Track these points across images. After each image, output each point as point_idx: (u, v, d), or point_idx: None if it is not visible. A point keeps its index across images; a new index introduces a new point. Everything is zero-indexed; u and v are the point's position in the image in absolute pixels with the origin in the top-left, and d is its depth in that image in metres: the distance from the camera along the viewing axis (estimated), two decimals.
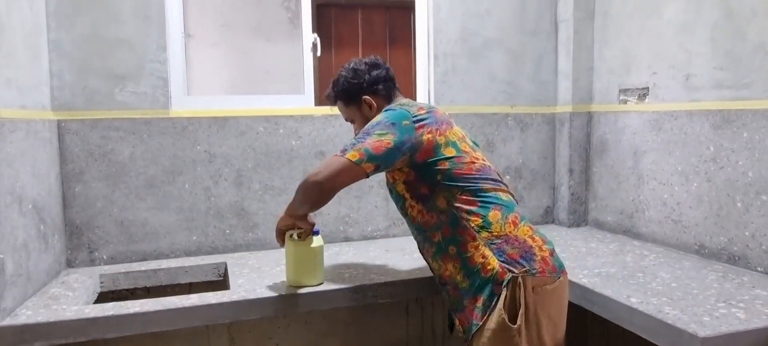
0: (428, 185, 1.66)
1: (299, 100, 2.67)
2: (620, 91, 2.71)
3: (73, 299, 1.92)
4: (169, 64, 2.41)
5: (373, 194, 2.72)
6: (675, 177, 2.39)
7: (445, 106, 2.75)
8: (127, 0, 2.31)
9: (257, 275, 2.15)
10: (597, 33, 2.85)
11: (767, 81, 2.01)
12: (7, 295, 1.75)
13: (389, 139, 1.62)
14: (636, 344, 1.82)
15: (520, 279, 1.55)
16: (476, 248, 1.61)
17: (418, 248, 1.86)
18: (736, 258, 2.13)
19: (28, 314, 1.75)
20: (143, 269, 2.30)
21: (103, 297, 2.22)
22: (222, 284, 2.33)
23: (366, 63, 1.86)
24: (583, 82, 2.88)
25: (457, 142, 1.70)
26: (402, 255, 2.37)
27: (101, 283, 2.24)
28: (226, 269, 2.32)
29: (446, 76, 2.80)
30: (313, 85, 2.73)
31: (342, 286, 1.99)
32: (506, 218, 1.64)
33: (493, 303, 1.56)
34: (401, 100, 1.85)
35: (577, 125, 2.89)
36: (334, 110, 2.66)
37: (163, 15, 2.37)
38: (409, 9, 3.26)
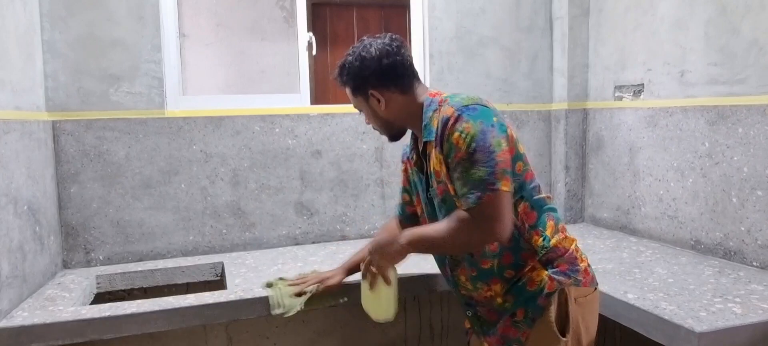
0: None
1: (295, 99, 2.67)
2: (615, 87, 2.71)
3: (69, 300, 1.91)
4: (164, 64, 2.41)
5: (369, 193, 2.72)
6: (670, 173, 2.40)
7: None
8: (122, 1, 2.31)
9: (254, 274, 2.15)
10: (592, 30, 2.85)
11: (761, 76, 2.01)
12: (3, 297, 1.74)
13: (507, 147, 1.38)
14: (633, 339, 1.83)
15: (566, 291, 1.44)
16: (533, 268, 1.46)
17: (440, 264, 1.64)
18: (732, 253, 2.14)
19: (24, 316, 1.74)
20: (140, 269, 2.30)
21: (99, 298, 2.21)
22: (219, 283, 2.32)
23: (377, 50, 1.50)
24: (579, 79, 2.89)
25: (518, 142, 1.48)
26: None
27: (98, 284, 2.24)
28: (223, 269, 2.31)
29: (442, 74, 2.80)
30: (309, 84, 2.73)
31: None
32: (557, 227, 1.50)
33: (539, 316, 1.44)
34: (428, 93, 1.53)
35: (573, 122, 2.90)
36: (331, 109, 2.67)
37: (158, 15, 2.37)
38: (404, 7, 3.26)
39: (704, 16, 2.22)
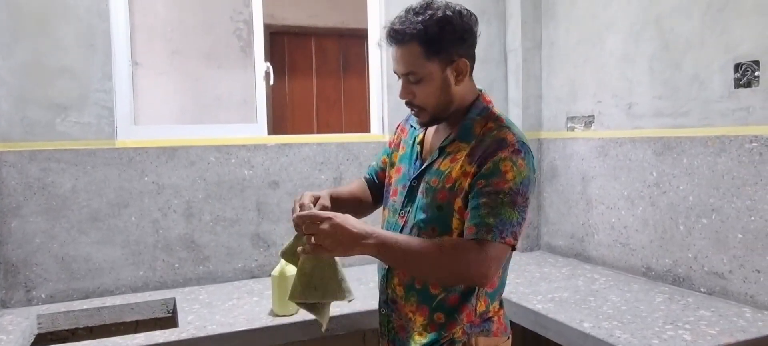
0: None
1: (252, 129, 2.63)
2: (568, 118, 2.79)
3: (6, 343, 1.80)
4: (115, 93, 2.34)
5: None
6: (621, 202, 2.47)
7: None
8: (70, 28, 2.24)
9: (208, 310, 2.08)
10: (544, 62, 2.94)
11: (703, 110, 2.11)
12: None
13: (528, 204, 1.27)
14: None
15: (473, 340, 1.35)
16: (459, 332, 1.34)
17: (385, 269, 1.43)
18: (681, 279, 2.21)
19: None
20: (85, 307, 2.19)
21: (40, 339, 2.09)
22: (170, 321, 2.24)
23: (472, 14, 1.31)
24: (533, 110, 2.96)
25: None
26: (357, 284, 2.34)
27: (39, 324, 2.12)
28: (175, 305, 2.23)
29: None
30: (267, 114, 2.70)
31: (296, 319, 1.94)
32: (497, 301, 1.40)
33: None
34: (483, 96, 1.38)
35: None
36: (288, 139, 2.64)
37: (109, 43, 2.30)
38: (363, 37, 3.28)
39: (649, 51, 2.33)
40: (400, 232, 1.37)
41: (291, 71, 4.34)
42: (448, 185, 1.29)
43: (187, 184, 2.44)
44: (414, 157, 1.43)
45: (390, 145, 1.58)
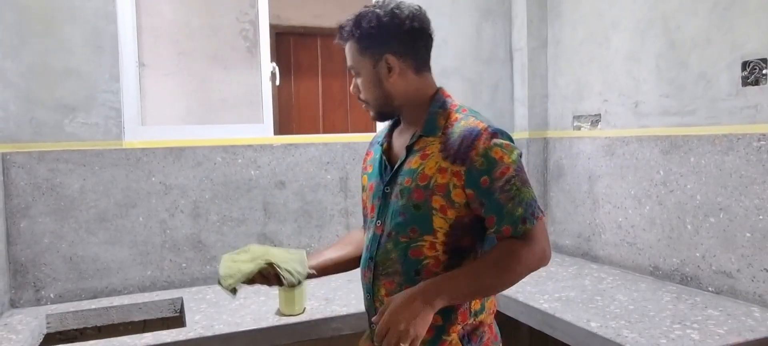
0: (473, 237, 1.27)
1: (258, 129, 2.64)
2: (574, 117, 2.79)
3: (16, 342, 1.82)
4: (122, 94, 2.35)
5: (334, 223, 2.69)
6: (628, 201, 2.46)
7: None
8: (77, 30, 2.25)
9: (215, 310, 2.09)
10: (550, 61, 2.94)
11: (709, 108, 2.10)
12: None
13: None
14: None
15: None
16: (453, 331, 1.28)
17: (363, 266, 1.40)
18: (689, 279, 2.20)
19: None
20: (94, 306, 2.20)
21: (49, 339, 2.11)
22: (178, 320, 2.25)
23: (409, 12, 1.32)
24: (539, 109, 2.96)
25: None
26: (359, 285, 2.34)
27: (48, 323, 2.13)
28: (182, 305, 2.24)
29: None
30: (273, 114, 2.71)
31: (303, 319, 1.95)
32: (494, 308, 1.37)
33: None
34: (442, 91, 1.40)
35: (534, 151, 2.96)
36: (295, 139, 2.65)
37: (116, 45, 2.32)
38: None
39: (655, 49, 2.32)
40: (379, 241, 1.33)
41: (297, 71, 4.35)
42: (422, 183, 1.26)
43: (194, 184, 2.45)
44: (382, 168, 1.39)
45: (363, 179, 1.51)
